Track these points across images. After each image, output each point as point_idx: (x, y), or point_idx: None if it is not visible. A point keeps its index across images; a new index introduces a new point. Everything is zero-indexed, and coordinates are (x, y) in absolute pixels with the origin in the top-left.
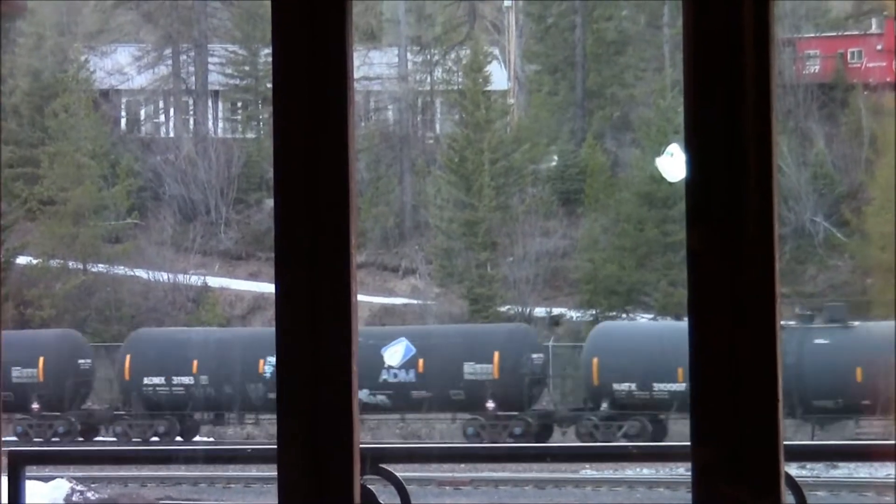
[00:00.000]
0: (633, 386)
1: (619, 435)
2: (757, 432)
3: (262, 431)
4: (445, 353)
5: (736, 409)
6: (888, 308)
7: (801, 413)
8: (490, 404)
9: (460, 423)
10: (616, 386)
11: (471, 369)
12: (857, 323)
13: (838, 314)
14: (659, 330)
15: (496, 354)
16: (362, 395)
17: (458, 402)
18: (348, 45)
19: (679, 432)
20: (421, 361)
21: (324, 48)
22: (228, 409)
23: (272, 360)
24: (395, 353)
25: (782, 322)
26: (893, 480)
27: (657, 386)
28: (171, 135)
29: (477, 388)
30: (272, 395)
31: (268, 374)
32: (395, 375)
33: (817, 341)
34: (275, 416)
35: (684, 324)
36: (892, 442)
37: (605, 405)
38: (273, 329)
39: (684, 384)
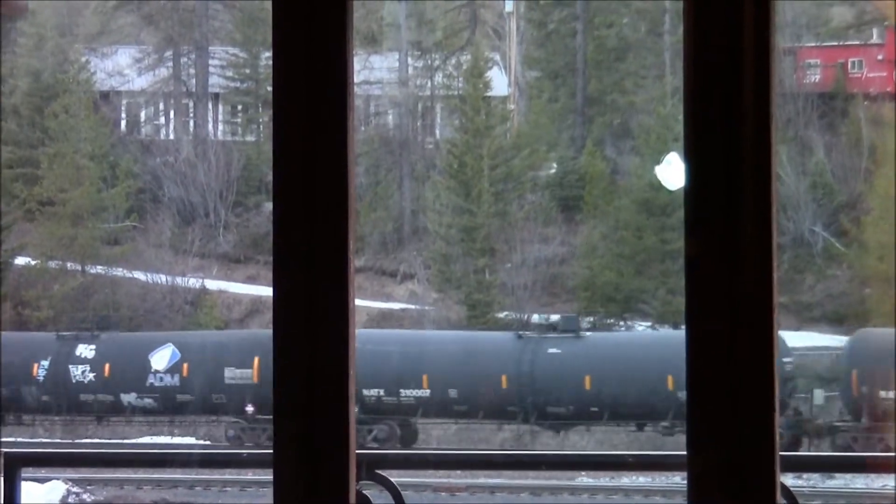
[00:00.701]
0: (382, 392)
1: (369, 438)
2: (753, 441)
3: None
4: (209, 358)
5: (732, 417)
6: (887, 318)
7: (535, 419)
8: (249, 408)
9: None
10: (366, 392)
11: (231, 374)
12: (588, 333)
13: (571, 324)
14: (406, 338)
15: (256, 360)
16: (130, 398)
17: (220, 406)
18: (348, 48)
19: (434, 437)
20: (185, 366)
21: (324, 52)
22: (6, 410)
23: (45, 363)
24: (161, 358)
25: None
26: (891, 492)
27: (404, 392)
28: (171, 137)
29: (237, 392)
30: (46, 398)
31: (41, 378)
32: (161, 379)
33: (550, 350)
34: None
35: (431, 332)
36: (891, 454)
37: (356, 410)
38: (48, 334)
39: (429, 391)
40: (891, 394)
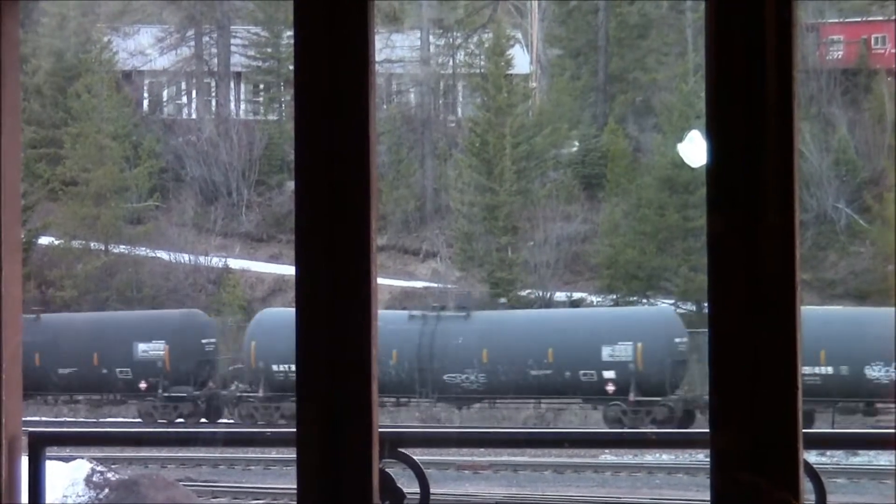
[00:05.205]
0: (290, 367)
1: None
2: (775, 419)
3: None
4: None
5: (754, 396)
6: None
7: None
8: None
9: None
10: (274, 367)
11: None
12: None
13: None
14: None
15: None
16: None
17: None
18: (370, 27)
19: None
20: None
21: (345, 31)
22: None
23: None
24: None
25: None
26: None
27: None
28: (193, 116)
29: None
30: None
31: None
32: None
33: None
34: None
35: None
36: None
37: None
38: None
39: None
40: None
